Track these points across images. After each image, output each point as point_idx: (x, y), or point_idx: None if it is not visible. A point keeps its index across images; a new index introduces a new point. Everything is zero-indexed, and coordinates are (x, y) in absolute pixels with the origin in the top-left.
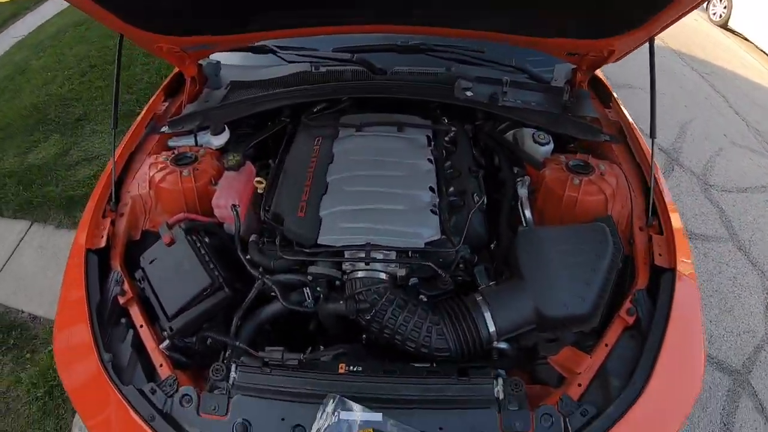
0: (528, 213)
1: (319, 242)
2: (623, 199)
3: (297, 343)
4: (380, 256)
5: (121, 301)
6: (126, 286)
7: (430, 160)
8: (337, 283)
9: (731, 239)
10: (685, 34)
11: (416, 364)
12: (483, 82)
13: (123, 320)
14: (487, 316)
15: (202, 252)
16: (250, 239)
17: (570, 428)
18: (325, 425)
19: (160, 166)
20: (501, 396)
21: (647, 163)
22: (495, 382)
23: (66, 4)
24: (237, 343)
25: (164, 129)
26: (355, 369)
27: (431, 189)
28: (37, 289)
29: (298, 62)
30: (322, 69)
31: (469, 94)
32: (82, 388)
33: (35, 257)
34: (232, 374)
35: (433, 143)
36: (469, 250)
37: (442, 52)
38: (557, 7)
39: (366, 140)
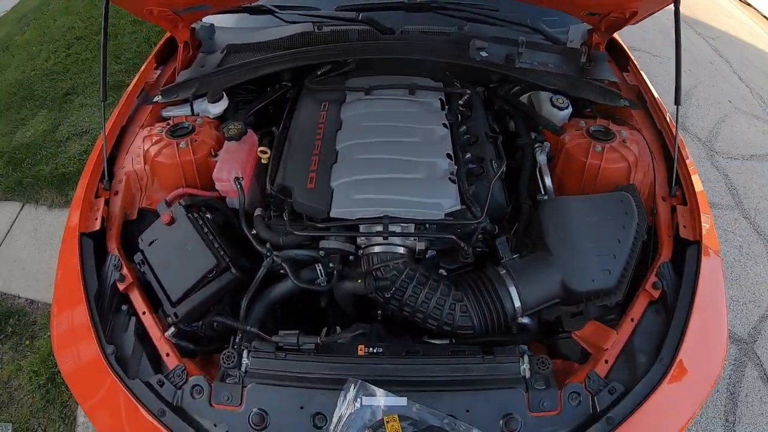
0: (548, 181)
1: (332, 215)
2: (645, 167)
3: (307, 321)
4: (398, 229)
5: (121, 287)
6: (125, 271)
7: (445, 125)
8: (351, 258)
9: (737, 207)
10: None
11: (435, 341)
12: (498, 42)
13: (124, 307)
14: (512, 290)
15: (205, 230)
16: (255, 214)
17: (598, 407)
18: (348, 413)
19: (154, 138)
20: (528, 374)
21: (668, 129)
22: (521, 360)
23: None
24: (248, 328)
25: (157, 98)
26: (375, 351)
27: (448, 156)
28: (32, 273)
29: (300, 23)
30: (326, 29)
31: (484, 54)
32: (86, 387)
33: (29, 240)
34: (245, 360)
35: (447, 107)
36: (488, 220)
37: (453, 10)
38: None
39: (376, 104)
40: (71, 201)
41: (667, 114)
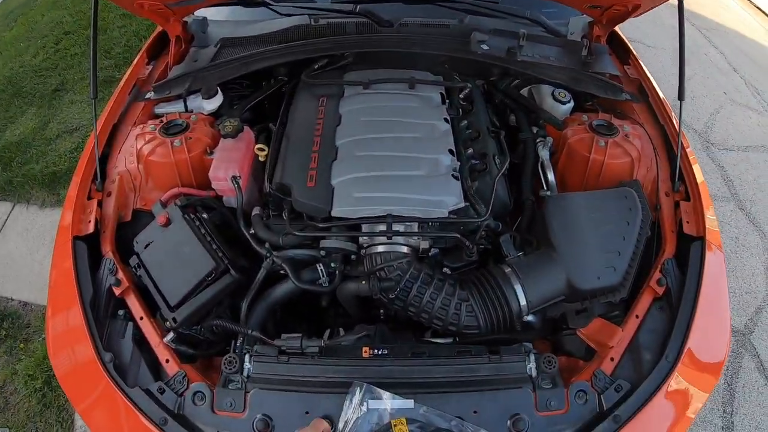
0: (551, 176)
1: (333, 214)
2: (648, 162)
3: (307, 321)
4: (401, 228)
5: (117, 291)
6: (120, 275)
7: (446, 120)
8: (353, 257)
9: (733, 199)
10: None
11: (439, 340)
12: (499, 35)
13: (120, 312)
14: (518, 289)
15: (202, 231)
16: (253, 213)
17: (605, 405)
18: (354, 417)
19: (147, 136)
20: (534, 374)
21: (670, 123)
22: (527, 358)
23: None
24: (250, 332)
25: (149, 95)
26: (380, 352)
27: (450, 152)
28: (25, 274)
29: (295, 15)
30: (323, 22)
31: (485, 47)
32: (85, 397)
33: (21, 241)
34: (247, 365)
35: (447, 101)
36: (492, 217)
37: (453, 1)
38: None
39: (375, 99)
40: (63, 200)
41: (669, 108)
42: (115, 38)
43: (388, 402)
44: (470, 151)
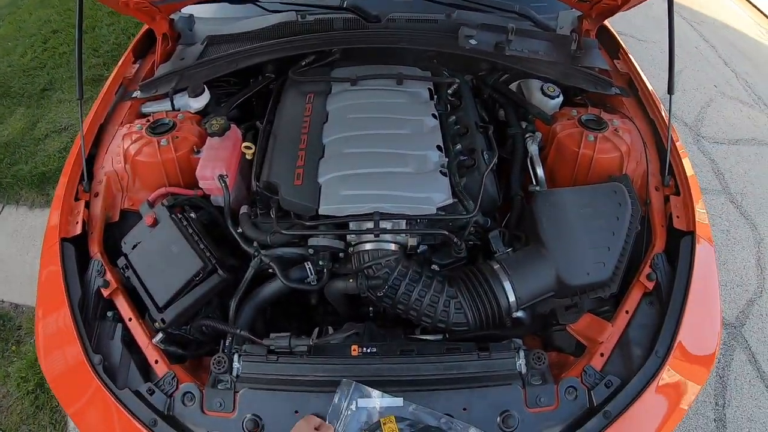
0: (540, 171)
1: (320, 212)
2: (638, 157)
3: (296, 319)
4: (388, 225)
5: (105, 293)
6: (108, 276)
7: (434, 116)
8: (341, 255)
9: (723, 192)
10: None
11: (428, 336)
12: (487, 29)
13: (109, 314)
14: (507, 285)
15: (190, 231)
16: (241, 212)
17: (595, 401)
18: (343, 415)
19: (134, 136)
20: (524, 370)
21: (659, 117)
22: (517, 355)
23: None
24: (238, 331)
25: (136, 94)
26: (369, 351)
27: (438, 148)
28: (16, 275)
29: (282, 11)
30: (309, 18)
31: (473, 42)
32: (74, 399)
33: (10, 241)
34: (236, 365)
35: (435, 97)
36: (480, 214)
37: None
38: None
39: (363, 95)
40: (52, 200)
41: (658, 102)
42: (104, 36)
43: (377, 400)
44: (458, 146)
